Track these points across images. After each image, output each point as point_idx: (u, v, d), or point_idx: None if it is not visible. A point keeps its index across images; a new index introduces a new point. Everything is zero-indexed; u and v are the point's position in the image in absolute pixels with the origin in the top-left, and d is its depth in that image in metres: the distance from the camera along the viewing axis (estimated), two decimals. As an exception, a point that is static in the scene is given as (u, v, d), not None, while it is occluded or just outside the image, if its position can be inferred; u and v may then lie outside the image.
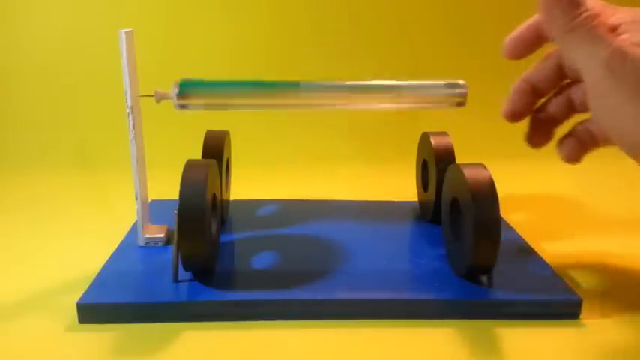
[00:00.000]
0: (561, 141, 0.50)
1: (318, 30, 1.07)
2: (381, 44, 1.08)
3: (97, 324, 0.48)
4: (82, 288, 0.50)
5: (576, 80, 0.48)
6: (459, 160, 0.62)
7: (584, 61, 0.41)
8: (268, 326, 0.49)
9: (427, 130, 0.68)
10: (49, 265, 0.59)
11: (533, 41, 0.47)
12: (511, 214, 0.71)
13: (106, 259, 0.56)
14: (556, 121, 0.51)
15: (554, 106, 0.50)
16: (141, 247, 0.59)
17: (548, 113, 0.51)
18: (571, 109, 0.50)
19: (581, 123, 0.49)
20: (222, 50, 1.05)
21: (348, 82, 0.58)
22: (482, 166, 0.53)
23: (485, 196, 0.50)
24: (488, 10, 1.08)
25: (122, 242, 0.60)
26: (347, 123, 1.02)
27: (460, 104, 0.59)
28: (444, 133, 0.67)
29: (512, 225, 0.66)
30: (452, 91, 0.58)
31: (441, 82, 0.58)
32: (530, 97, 0.50)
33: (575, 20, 0.41)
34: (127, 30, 0.54)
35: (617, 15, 0.43)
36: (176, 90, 0.55)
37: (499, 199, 0.49)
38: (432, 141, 0.65)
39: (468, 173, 0.51)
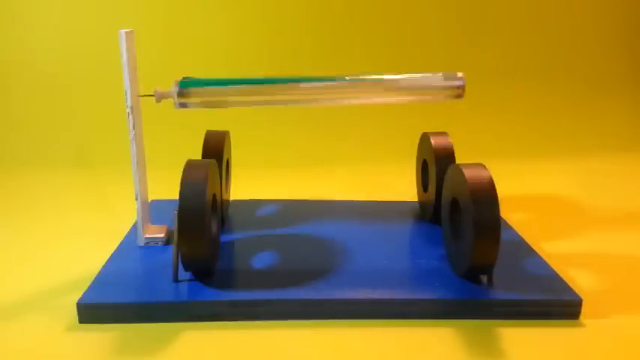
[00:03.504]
0: None
1: (317, 27, 1.07)
2: (379, 41, 1.08)
3: (97, 324, 0.48)
4: (82, 288, 0.50)
5: None
6: (459, 160, 0.62)
7: None
8: (268, 326, 0.49)
9: (427, 130, 0.68)
10: (49, 265, 0.59)
11: None
12: (511, 214, 0.71)
13: (106, 259, 0.56)
14: None
15: None
16: (141, 247, 0.59)
17: None
18: None
19: None
20: (222, 50, 1.05)
21: (346, 77, 0.58)
22: (482, 166, 0.52)
23: (486, 196, 0.50)
24: (488, 10, 1.08)
25: (122, 242, 0.60)
26: (347, 123, 1.02)
27: (459, 96, 0.58)
28: (444, 133, 0.67)
29: (512, 225, 0.66)
30: (450, 83, 0.58)
31: (439, 73, 0.58)
32: None
33: None
34: (127, 30, 0.55)
35: None
36: (176, 88, 0.56)
37: (499, 199, 0.50)
38: (432, 141, 0.65)
39: (468, 173, 0.51)
